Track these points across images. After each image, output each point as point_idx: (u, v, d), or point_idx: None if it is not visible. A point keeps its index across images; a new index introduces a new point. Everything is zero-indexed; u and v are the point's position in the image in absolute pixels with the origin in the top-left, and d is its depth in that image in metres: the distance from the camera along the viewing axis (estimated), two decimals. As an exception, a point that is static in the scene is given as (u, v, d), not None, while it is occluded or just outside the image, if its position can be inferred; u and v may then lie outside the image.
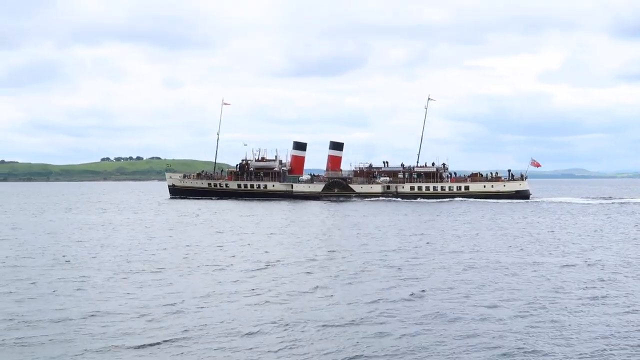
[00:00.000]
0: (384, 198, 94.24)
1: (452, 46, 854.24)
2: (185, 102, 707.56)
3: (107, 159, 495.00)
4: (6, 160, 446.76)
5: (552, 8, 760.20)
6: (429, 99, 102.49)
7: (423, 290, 21.65)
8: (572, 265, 27.46)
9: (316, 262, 28.77)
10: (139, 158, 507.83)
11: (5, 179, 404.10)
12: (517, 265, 27.61)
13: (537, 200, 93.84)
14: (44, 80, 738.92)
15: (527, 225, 49.93)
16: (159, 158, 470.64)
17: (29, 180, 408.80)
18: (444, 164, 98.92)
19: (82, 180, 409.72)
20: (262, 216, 61.18)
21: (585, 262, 28.54)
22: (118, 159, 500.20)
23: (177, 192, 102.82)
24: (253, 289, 21.98)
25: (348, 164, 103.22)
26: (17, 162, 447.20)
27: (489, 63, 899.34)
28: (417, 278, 24.25)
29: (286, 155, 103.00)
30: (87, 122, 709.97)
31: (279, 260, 28.90)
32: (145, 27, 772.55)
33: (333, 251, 32.75)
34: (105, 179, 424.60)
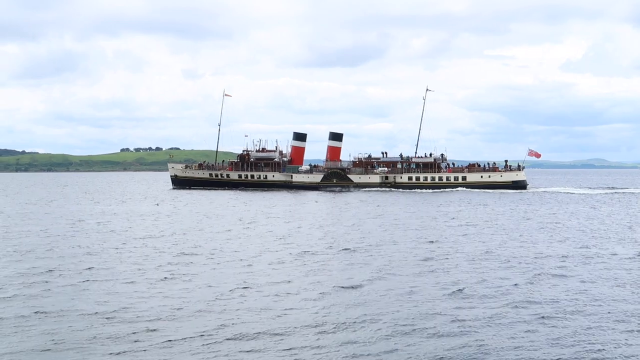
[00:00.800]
0: (381, 188, 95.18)
1: (473, 36, 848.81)
2: (205, 93, 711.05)
3: (127, 149, 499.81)
4: (27, 150, 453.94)
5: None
6: (427, 89, 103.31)
7: (516, 284, 21.09)
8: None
9: (363, 253, 28.56)
10: (158, 149, 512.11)
11: (26, 170, 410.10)
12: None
13: (535, 190, 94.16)
14: (65, 72, 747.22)
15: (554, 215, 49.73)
16: (178, 149, 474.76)
17: (49, 170, 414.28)
18: (442, 155, 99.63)
19: (101, 171, 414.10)
20: (287, 207, 60.77)
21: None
22: (137, 150, 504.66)
23: (179, 183, 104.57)
24: (307, 282, 21.84)
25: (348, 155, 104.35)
26: (37, 153, 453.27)
27: (511, 53, 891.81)
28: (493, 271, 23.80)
29: (287, 146, 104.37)
30: (108, 113, 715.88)
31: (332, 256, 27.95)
32: (166, 19, 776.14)
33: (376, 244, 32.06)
34: (125, 170, 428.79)
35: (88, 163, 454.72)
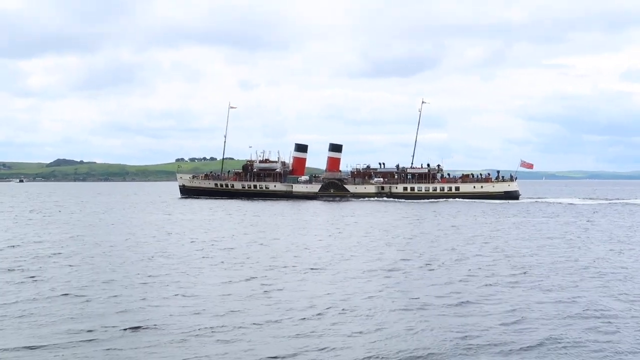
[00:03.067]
0: (377, 198, 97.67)
1: (531, 45, 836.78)
2: (260, 104, 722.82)
3: (182, 159, 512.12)
4: (85, 160, 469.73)
5: (636, 5, 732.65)
6: (422, 102, 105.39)
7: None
8: None
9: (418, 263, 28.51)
10: (212, 159, 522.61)
11: (84, 179, 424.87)
12: None
13: (526, 201, 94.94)
14: (122, 83, 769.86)
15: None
16: (232, 159, 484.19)
17: (107, 180, 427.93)
18: (438, 165, 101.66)
19: (157, 181, 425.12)
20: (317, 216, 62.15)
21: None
22: (192, 160, 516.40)
23: (187, 192, 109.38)
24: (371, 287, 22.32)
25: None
26: (95, 163, 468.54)
27: (569, 62, 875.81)
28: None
29: (289, 157, 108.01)
30: (164, 124, 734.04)
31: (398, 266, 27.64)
32: (223, 30, 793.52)
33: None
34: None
35: (144, 173, 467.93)
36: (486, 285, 22.70)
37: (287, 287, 22.17)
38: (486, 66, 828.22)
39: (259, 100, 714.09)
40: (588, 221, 54.76)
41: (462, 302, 19.66)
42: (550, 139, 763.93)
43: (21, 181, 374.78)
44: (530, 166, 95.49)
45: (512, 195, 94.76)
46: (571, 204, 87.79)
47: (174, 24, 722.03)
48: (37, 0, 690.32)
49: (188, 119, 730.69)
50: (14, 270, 25.49)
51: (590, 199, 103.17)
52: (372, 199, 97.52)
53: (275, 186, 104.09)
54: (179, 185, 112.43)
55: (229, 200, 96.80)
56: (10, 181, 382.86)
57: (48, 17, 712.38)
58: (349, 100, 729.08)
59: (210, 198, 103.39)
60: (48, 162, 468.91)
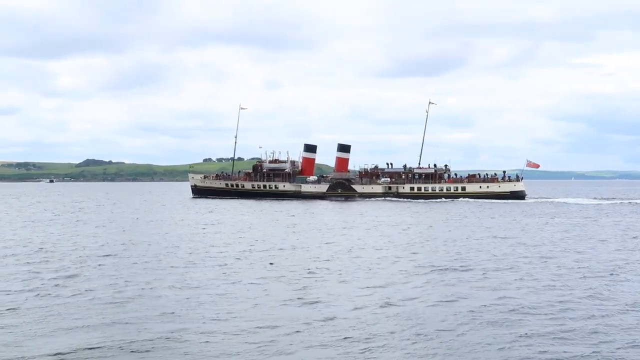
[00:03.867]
0: (384, 198, 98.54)
1: (558, 44, 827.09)
2: (286, 104, 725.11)
3: (209, 159, 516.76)
4: (114, 161, 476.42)
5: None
6: (430, 102, 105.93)
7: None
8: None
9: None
10: (239, 159, 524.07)
11: (112, 179, 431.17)
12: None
13: (535, 200, 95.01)
14: (149, 84, 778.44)
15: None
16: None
17: (135, 180, 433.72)
18: (445, 165, 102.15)
19: (185, 181, 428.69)
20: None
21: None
22: (220, 160, 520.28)
23: (198, 192, 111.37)
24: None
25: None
26: (123, 163, 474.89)
27: (597, 61, 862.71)
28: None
29: (298, 157, 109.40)
30: (190, 124, 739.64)
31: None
32: (248, 29, 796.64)
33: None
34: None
35: (172, 173, 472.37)
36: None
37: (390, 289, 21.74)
38: (512, 65, 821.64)
39: (283, 100, 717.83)
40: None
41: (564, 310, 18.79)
42: (578, 139, 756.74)
43: (51, 181, 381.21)
44: (537, 166, 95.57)
45: (518, 195, 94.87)
46: (577, 204, 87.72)
47: (200, 24, 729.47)
48: (65, 1, 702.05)
49: (214, 119, 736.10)
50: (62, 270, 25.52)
51: (595, 199, 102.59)
52: (379, 198, 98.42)
53: (284, 186, 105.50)
54: (191, 186, 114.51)
55: (242, 200, 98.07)
56: (40, 181, 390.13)
57: (76, 17, 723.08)
58: (373, 100, 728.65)
59: (221, 198, 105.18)
60: (77, 162, 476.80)
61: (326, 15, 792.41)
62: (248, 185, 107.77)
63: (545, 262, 28.34)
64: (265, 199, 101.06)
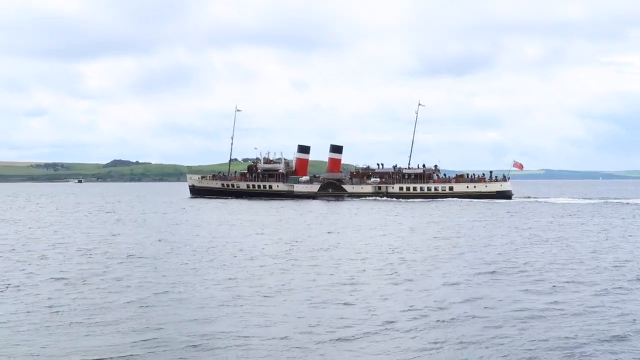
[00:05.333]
0: (373, 198, 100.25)
1: (588, 42, 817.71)
2: (314, 104, 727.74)
3: (235, 159, 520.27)
4: (141, 161, 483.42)
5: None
6: (419, 104, 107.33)
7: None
8: None
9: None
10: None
11: (139, 179, 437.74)
12: None
13: (519, 200, 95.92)
14: (178, 84, 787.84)
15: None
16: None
17: (161, 180, 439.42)
18: (435, 166, 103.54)
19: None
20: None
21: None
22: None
23: (196, 192, 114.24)
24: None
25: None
26: (150, 163, 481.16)
27: (627, 59, 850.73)
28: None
29: (293, 158, 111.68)
30: (217, 124, 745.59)
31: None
32: (276, 30, 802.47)
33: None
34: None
35: (198, 173, 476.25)
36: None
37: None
38: (542, 64, 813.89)
39: (312, 100, 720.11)
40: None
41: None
42: (607, 138, 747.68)
43: (80, 181, 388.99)
44: (520, 166, 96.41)
45: (505, 195, 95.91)
46: (565, 203, 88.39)
47: (228, 25, 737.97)
48: (94, 3, 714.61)
49: (242, 120, 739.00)
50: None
51: (585, 198, 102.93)
52: (369, 198, 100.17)
53: (277, 186, 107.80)
54: (189, 186, 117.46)
55: (239, 200, 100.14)
56: (68, 181, 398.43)
57: (105, 19, 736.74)
58: (403, 100, 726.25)
59: (217, 197, 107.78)
60: (105, 162, 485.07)
61: (354, 15, 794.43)
62: (243, 186, 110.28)
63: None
64: (259, 199, 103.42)
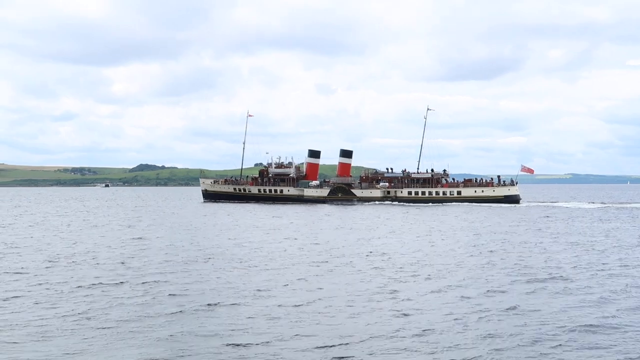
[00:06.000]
0: (382, 202, 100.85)
1: (615, 45, 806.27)
2: (339, 108, 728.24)
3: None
4: (167, 165, 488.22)
5: None
6: (428, 109, 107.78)
7: None
8: None
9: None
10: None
11: (165, 184, 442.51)
12: None
13: (528, 204, 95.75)
14: (203, 89, 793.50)
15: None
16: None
17: (187, 184, 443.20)
18: (444, 170, 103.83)
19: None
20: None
21: None
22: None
23: (208, 196, 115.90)
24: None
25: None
26: (176, 168, 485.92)
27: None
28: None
29: (304, 163, 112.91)
30: (242, 129, 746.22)
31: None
32: (300, 34, 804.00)
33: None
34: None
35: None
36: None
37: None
38: (569, 68, 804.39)
39: (337, 105, 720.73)
40: None
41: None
42: (635, 142, 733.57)
43: (107, 186, 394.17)
44: (531, 171, 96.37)
45: (513, 199, 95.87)
46: (568, 207, 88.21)
47: (252, 29, 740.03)
48: (120, 9, 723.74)
49: (267, 124, 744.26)
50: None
51: (593, 203, 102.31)
52: (377, 202, 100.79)
53: (288, 190, 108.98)
54: (202, 190, 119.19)
55: (253, 204, 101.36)
56: (95, 186, 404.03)
57: (130, 24, 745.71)
58: (426, 104, 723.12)
59: (229, 202, 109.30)
60: (131, 167, 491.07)
61: (378, 19, 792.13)
62: (254, 190, 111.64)
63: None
64: (269, 203, 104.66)
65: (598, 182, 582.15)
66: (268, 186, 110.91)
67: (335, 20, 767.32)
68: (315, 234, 45.68)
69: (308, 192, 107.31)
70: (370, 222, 59.03)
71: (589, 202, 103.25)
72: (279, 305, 19.20)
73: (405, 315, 18.13)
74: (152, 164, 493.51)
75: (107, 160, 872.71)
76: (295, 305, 19.23)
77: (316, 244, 37.93)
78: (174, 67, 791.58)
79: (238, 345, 14.98)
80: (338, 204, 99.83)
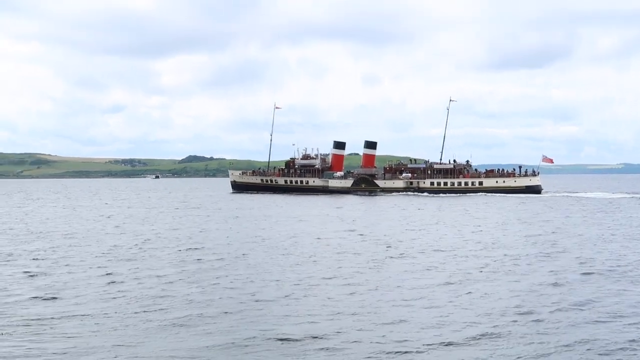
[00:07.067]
0: (405, 193, 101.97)
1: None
2: (385, 98, 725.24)
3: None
4: (215, 157, 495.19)
5: None
6: (450, 100, 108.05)
7: None
8: None
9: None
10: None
11: (214, 175, 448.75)
12: None
13: (550, 195, 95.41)
14: (250, 80, 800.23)
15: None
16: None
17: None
18: (467, 161, 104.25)
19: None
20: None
21: None
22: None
23: (237, 187, 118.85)
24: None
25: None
26: (224, 159, 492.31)
27: None
28: None
29: (329, 154, 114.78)
30: (290, 120, 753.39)
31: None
32: (348, 25, 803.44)
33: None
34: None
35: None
36: None
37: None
38: (620, 55, 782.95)
39: (383, 94, 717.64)
40: None
41: None
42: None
43: (157, 177, 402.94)
44: (550, 161, 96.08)
45: (534, 190, 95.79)
46: (591, 197, 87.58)
47: (299, 20, 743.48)
48: (169, 1, 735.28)
49: (314, 115, 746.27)
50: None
51: (614, 193, 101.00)
52: (401, 193, 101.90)
53: (313, 181, 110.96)
54: (231, 181, 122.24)
55: (279, 195, 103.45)
56: (145, 177, 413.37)
57: (178, 17, 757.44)
58: (476, 93, 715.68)
59: (257, 192, 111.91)
60: (180, 158, 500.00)
61: (426, 8, 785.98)
62: (281, 181, 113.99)
63: None
64: (295, 194, 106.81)
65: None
66: (294, 177, 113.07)
67: (383, 9, 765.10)
68: (373, 225, 44.92)
69: (332, 183, 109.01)
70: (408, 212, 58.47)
71: (612, 193, 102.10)
72: (361, 300, 18.94)
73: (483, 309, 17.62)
74: (201, 154, 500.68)
75: (156, 152, 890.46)
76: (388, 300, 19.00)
77: (377, 239, 35.89)
78: (222, 59, 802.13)
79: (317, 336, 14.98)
80: (361, 195, 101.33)
